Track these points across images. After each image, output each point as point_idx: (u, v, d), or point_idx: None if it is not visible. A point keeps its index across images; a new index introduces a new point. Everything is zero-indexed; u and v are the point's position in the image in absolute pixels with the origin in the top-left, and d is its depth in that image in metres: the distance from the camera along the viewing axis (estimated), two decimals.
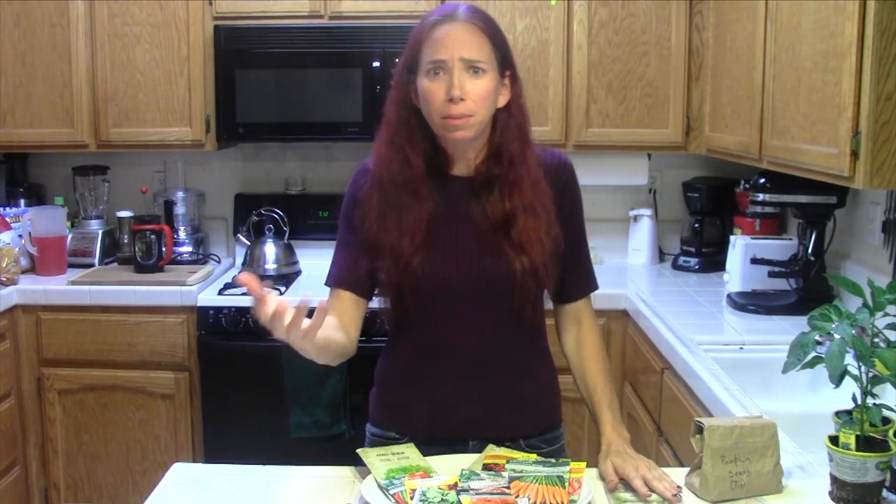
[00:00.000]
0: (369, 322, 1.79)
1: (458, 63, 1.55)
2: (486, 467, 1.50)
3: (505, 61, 1.61)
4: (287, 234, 3.39)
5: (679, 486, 1.45)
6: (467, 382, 1.66)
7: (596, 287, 1.78)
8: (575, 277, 1.74)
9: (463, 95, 1.54)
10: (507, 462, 1.52)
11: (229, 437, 3.00)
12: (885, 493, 1.37)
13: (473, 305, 1.63)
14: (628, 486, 1.47)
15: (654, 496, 1.43)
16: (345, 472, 1.58)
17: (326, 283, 1.72)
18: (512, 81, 1.63)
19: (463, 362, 1.65)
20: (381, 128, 1.67)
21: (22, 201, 3.52)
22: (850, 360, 1.34)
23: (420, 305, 1.64)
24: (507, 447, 1.62)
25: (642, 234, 3.50)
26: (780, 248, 2.86)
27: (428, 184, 1.62)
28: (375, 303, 1.73)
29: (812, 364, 1.38)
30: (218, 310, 3.00)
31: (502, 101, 1.62)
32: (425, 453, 1.58)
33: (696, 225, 3.40)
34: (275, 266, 3.31)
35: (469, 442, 1.65)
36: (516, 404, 1.69)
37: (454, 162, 1.66)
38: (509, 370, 1.68)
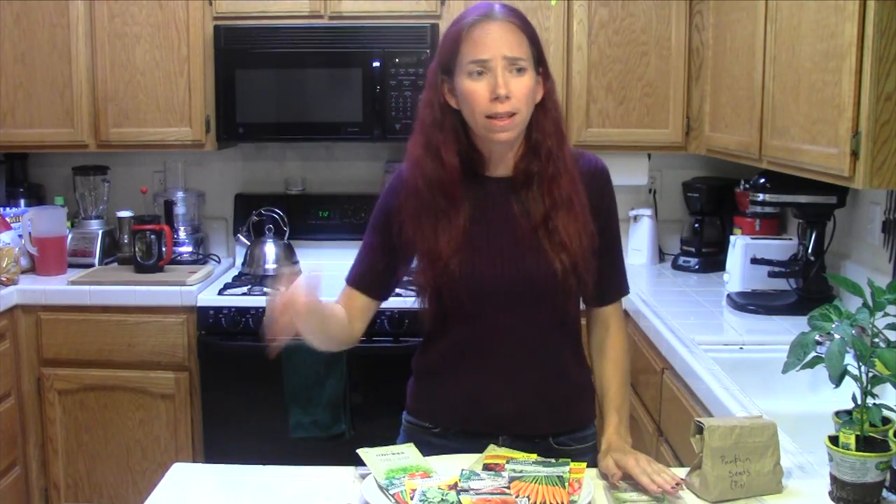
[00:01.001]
0: (369, 322, 1.79)
1: (501, 62, 1.54)
2: (486, 467, 1.51)
3: (540, 58, 1.62)
4: (287, 234, 3.39)
5: (681, 479, 1.45)
6: (504, 380, 1.67)
7: (628, 291, 1.78)
8: (608, 282, 1.73)
9: (508, 94, 1.54)
10: (507, 462, 1.52)
11: (229, 437, 3.00)
12: (885, 493, 1.37)
13: (513, 306, 1.63)
14: (629, 487, 1.47)
15: (652, 496, 1.43)
16: (345, 472, 1.58)
17: (346, 280, 1.75)
18: (545, 77, 1.63)
19: (500, 361, 1.66)
20: (415, 130, 1.66)
21: (22, 201, 3.52)
22: (850, 360, 1.34)
23: (458, 307, 1.64)
24: (536, 443, 1.64)
25: (642, 234, 3.50)
26: (780, 248, 2.86)
27: (464, 186, 1.62)
28: (399, 304, 1.73)
29: (812, 364, 1.38)
30: (218, 310, 3.00)
31: (538, 97, 1.62)
32: (457, 445, 1.60)
33: (696, 225, 3.40)
34: (275, 266, 3.31)
35: (499, 437, 1.66)
36: (550, 403, 1.69)
37: (491, 163, 1.65)
38: (546, 369, 1.68)
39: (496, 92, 1.53)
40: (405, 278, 1.72)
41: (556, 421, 1.71)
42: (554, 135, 1.63)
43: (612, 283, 1.74)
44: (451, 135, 1.61)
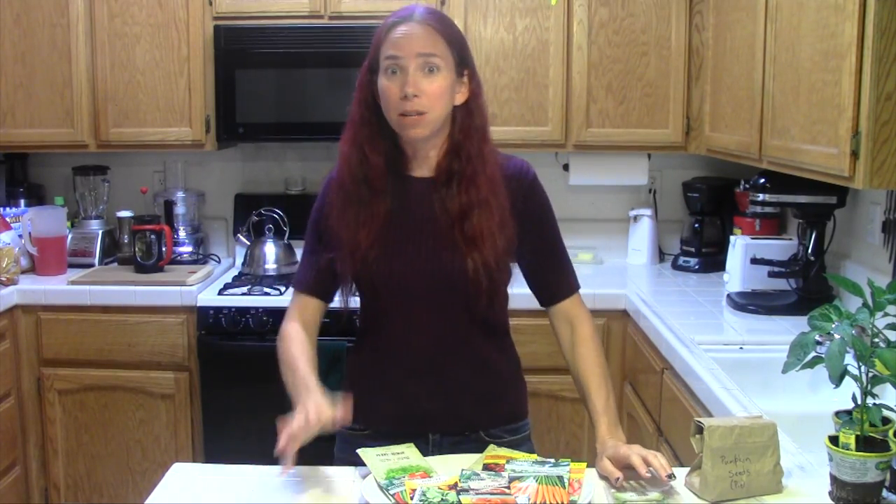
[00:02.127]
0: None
1: (414, 61, 1.60)
2: (486, 467, 1.51)
3: (463, 60, 1.67)
4: (287, 234, 3.39)
5: (672, 473, 1.45)
6: (427, 378, 1.69)
7: (578, 287, 1.80)
8: (555, 278, 1.76)
9: (417, 93, 1.59)
10: (507, 462, 1.52)
11: (229, 437, 3.00)
12: (885, 493, 1.37)
13: (429, 302, 1.67)
14: (629, 487, 1.47)
15: (652, 495, 1.43)
16: (345, 472, 1.59)
17: (294, 287, 1.80)
18: (470, 80, 1.68)
19: (421, 358, 1.69)
20: (346, 127, 1.73)
21: (22, 201, 3.52)
22: (850, 360, 1.34)
23: (377, 302, 1.69)
24: (467, 437, 1.67)
25: (642, 234, 3.50)
26: (780, 248, 2.86)
27: (388, 182, 1.67)
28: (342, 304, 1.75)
29: (812, 364, 1.38)
30: (218, 310, 3.00)
31: (460, 98, 1.67)
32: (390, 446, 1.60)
33: (696, 225, 3.40)
34: (275, 266, 3.31)
35: (429, 436, 1.69)
36: (476, 398, 1.72)
37: (415, 163, 1.70)
38: (467, 365, 1.71)
39: (404, 90, 1.59)
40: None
41: (485, 415, 1.73)
42: (475, 137, 1.67)
43: (557, 281, 1.77)
44: (377, 132, 1.67)
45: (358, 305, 1.76)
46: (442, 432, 1.69)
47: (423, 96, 1.59)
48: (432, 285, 1.65)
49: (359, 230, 1.65)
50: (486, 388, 1.73)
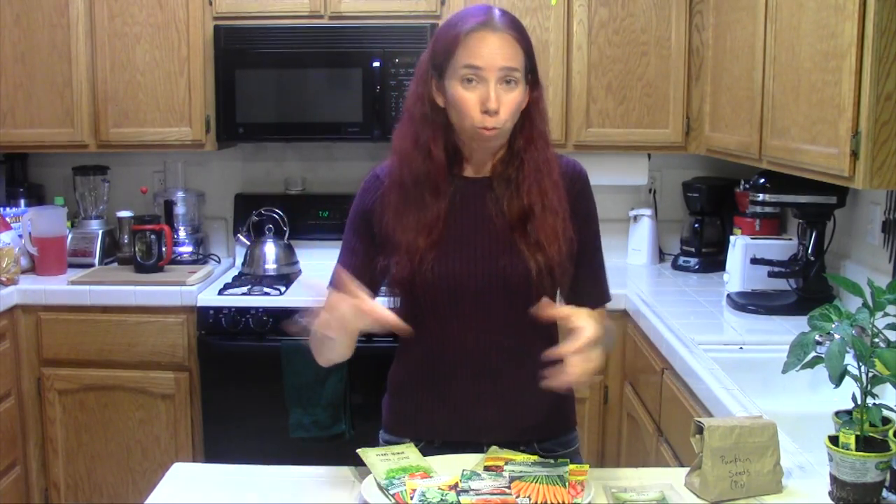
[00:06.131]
0: None
1: (495, 74, 1.55)
2: (486, 468, 1.50)
3: (532, 67, 1.62)
4: (287, 234, 3.39)
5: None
6: (481, 384, 1.66)
7: (608, 299, 1.77)
8: (589, 287, 1.73)
9: (498, 108, 1.54)
10: (507, 463, 1.52)
11: (229, 437, 3.00)
12: (885, 493, 1.37)
13: (486, 305, 1.63)
14: (627, 487, 1.47)
15: (652, 494, 1.43)
16: (345, 472, 1.58)
17: (329, 286, 1.72)
18: (533, 85, 1.64)
19: (476, 364, 1.65)
20: (402, 123, 1.67)
21: (22, 201, 3.52)
22: (850, 360, 1.34)
23: (432, 305, 1.64)
24: (522, 450, 1.61)
25: (642, 234, 3.50)
26: (780, 248, 2.86)
27: (446, 182, 1.63)
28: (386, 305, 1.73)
29: (812, 364, 1.38)
30: (218, 310, 3.00)
31: (523, 105, 1.63)
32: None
33: (696, 225, 3.40)
34: (275, 266, 3.31)
35: (483, 446, 1.64)
36: (532, 407, 1.68)
37: (470, 163, 1.66)
38: (523, 372, 1.66)
39: (486, 105, 1.54)
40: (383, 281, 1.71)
41: (540, 425, 1.70)
42: (536, 142, 1.64)
43: (593, 289, 1.74)
44: (438, 131, 1.62)
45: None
46: (496, 441, 1.62)
47: (501, 112, 1.55)
48: (491, 288, 1.62)
49: (418, 235, 1.60)
50: (540, 397, 1.64)
